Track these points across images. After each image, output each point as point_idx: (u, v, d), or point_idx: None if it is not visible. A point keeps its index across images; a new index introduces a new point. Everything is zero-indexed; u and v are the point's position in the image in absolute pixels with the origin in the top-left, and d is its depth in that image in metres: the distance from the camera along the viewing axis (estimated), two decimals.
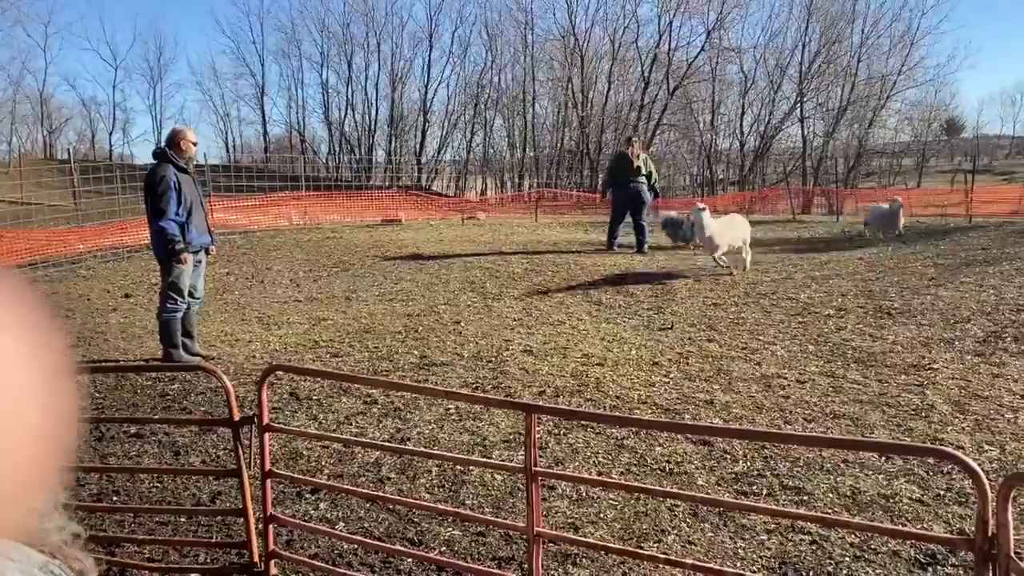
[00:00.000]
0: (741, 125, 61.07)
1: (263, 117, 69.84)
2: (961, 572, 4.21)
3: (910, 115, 67.27)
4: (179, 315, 8.60)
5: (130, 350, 9.39)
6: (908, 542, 4.52)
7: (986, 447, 5.88)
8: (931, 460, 5.59)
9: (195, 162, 8.97)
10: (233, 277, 14.41)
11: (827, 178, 56.52)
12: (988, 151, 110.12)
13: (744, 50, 59.68)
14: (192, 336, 8.89)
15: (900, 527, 4.57)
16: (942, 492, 5.16)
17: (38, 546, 0.96)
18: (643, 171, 16.57)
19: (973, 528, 2.75)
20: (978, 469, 2.68)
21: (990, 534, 2.65)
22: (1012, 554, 2.60)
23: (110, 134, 75.26)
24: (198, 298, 8.96)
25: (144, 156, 74.63)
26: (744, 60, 59.86)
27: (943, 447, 3.32)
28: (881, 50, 59.14)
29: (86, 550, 1.04)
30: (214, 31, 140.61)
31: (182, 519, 5.12)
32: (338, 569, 4.31)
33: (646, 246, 16.68)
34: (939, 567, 4.28)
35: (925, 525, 4.76)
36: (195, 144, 8.75)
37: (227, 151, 72.04)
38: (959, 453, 2.89)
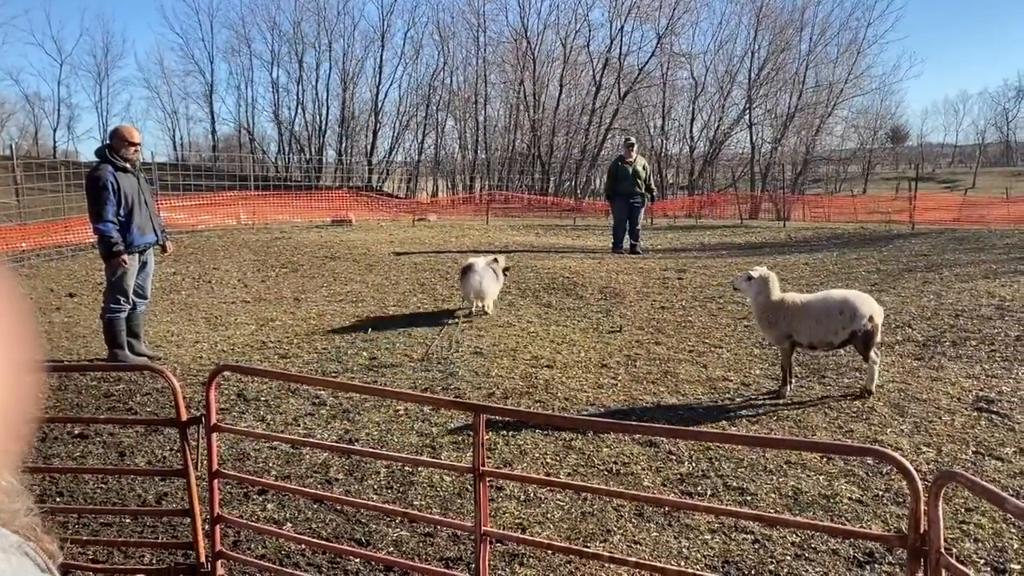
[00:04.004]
0: (691, 130, 61.66)
1: (211, 115, 69.29)
2: (898, 570, 4.32)
3: (856, 123, 68.50)
4: (123, 315, 8.48)
5: (74, 350, 9.27)
6: (847, 541, 4.62)
7: (924, 449, 6.01)
8: (870, 461, 5.71)
9: (140, 161, 8.80)
10: (180, 277, 14.26)
11: (775, 184, 57.23)
12: (931, 159, 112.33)
13: (694, 56, 60.27)
14: (138, 336, 8.79)
15: (839, 526, 4.67)
16: (880, 493, 5.28)
17: (10, 527, 0.98)
18: (641, 177, 17.58)
19: (908, 526, 2.83)
20: (911, 467, 2.76)
21: (922, 531, 2.73)
22: (942, 550, 2.68)
23: (54, 130, 74.36)
24: (145, 298, 8.85)
25: (89, 153, 73.72)
26: (694, 66, 60.46)
27: (880, 448, 3.41)
28: (828, 58, 60.08)
29: (52, 533, 1.06)
30: (162, 27, 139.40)
31: (127, 520, 5.08)
32: (285, 569, 4.31)
33: (639, 247, 17.88)
34: (876, 565, 4.38)
35: (864, 524, 4.87)
36: (136, 144, 8.56)
37: (174, 149, 71.39)
38: (894, 452, 2.97)
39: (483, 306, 11.16)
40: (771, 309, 7.28)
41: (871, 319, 7.03)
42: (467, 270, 11.00)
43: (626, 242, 17.76)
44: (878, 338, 7.23)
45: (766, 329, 7.48)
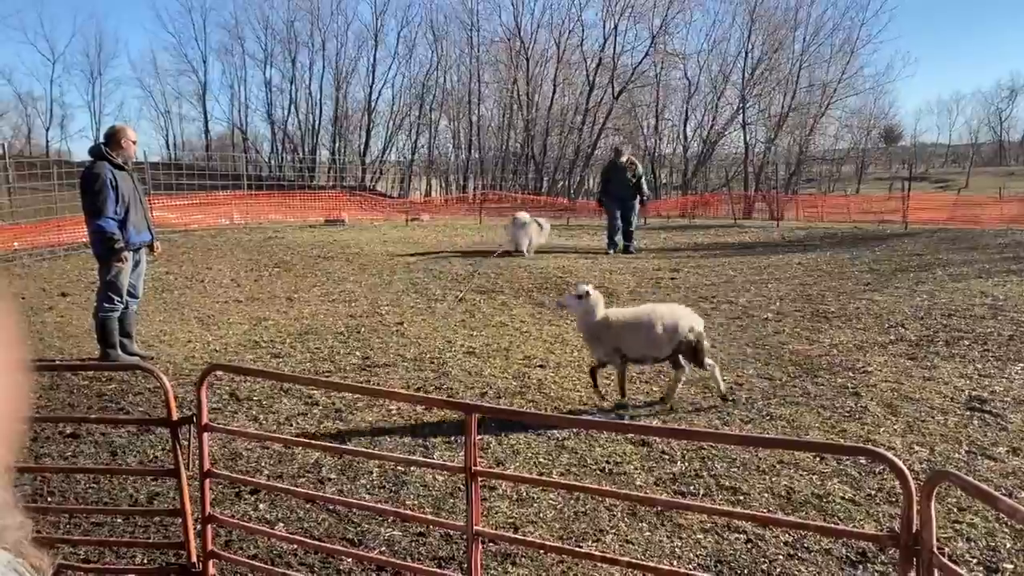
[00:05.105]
0: (684, 130, 61.70)
1: (205, 115, 69.28)
2: (890, 569, 4.31)
3: (850, 123, 68.47)
4: (116, 314, 8.47)
5: (66, 350, 9.24)
6: (840, 540, 4.61)
7: (916, 448, 6.01)
8: (863, 461, 5.71)
9: (134, 160, 8.82)
10: (173, 276, 14.23)
11: (768, 183, 57.27)
12: (925, 159, 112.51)
13: (688, 56, 60.32)
14: (130, 336, 8.76)
15: (832, 526, 4.67)
16: (873, 492, 5.28)
17: (0, 544, 0.96)
18: (632, 180, 17.78)
19: (900, 525, 2.82)
20: (903, 467, 2.75)
21: (914, 530, 2.72)
22: (935, 549, 2.68)
23: (47, 130, 74.24)
24: (137, 297, 8.83)
25: (82, 153, 73.61)
26: (688, 66, 60.49)
27: (873, 447, 3.40)
28: (822, 58, 60.14)
29: (42, 548, 1.04)
30: (156, 27, 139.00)
31: (119, 520, 5.05)
32: (277, 569, 4.30)
33: (633, 247, 18.00)
34: (869, 564, 4.38)
35: (857, 524, 4.86)
36: (135, 143, 8.59)
37: (168, 148, 71.37)
38: (886, 452, 2.97)
39: (523, 250, 15.57)
40: (598, 327, 7.19)
41: (692, 330, 7.00)
42: (514, 220, 15.95)
43: (619, 242, 17.82)
44: (707, 345, 7.22)
45: (594, 346, 7.37)
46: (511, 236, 16.13)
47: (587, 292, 7.18)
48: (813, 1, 59.31)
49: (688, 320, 7.06)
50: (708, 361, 7.14)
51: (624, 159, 17.84)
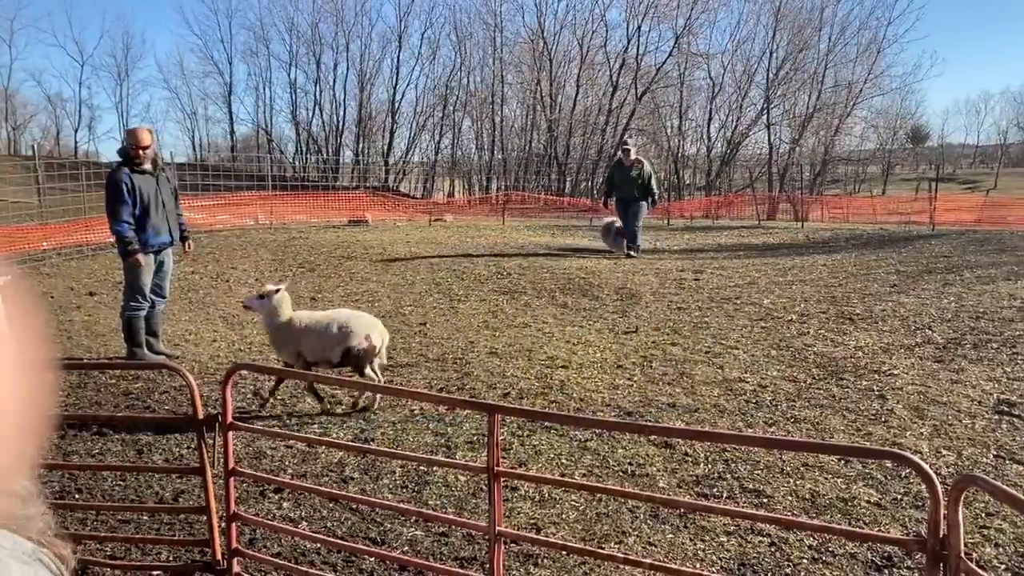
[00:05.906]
0: (708, 131, 61.37)
1: (230, 116, 69.63)
2: (916, 575, 4.28)
3: (876, 123, 67.87)
4: (142, 314, 8.52)
5: (94, 348, 9.31)
6: (865, 544, 4.57)
7: (943, 452, 5.96)
8: (889, 464, 5.66)
9: (162, 161, 8.84)
10: (198, 276, 14.31)
11: (793, 184, 56.96)
12: (952, 160, 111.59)
13: (712, 56, 60.04)
14: (157, 335, 8.82)
15: (857, 530, 4.63)
16: (899, 496, 5.23)
17: (24, 533, 0.96)
18: (639, 180, 17.15)
19: (927, 530, 2.79)
20: (930, 471, 2.73)
21: (941, 535, 2.70)
22: (962, 554, 2.65)
23: (76, 131, 74.93)
24: (164, 297, 8.89)
25: (110, 154, 74.36)
26: (712, 66, 60.20)
27: (899, 451, 3.38)
28: (848, 58, 59.67)
29: (65, 539, 1.04)
30: (182, 28, 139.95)
31: (144, 517, 5.09)
32: (300, 568, 4.31)
33: (636, 248, 17.45)
34: (895, 569, 4.34)
35: (882, 528, 4.83)
36: (142, 148, 8.41)
37: (194, 149, 71.86)
38: (913, 456, 2.94)
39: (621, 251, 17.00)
40: (283, 329, 7.06)
41: (368, 339, 6.89)
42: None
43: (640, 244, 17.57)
44: (382, 360, 7.13)
45: (279, 349, 7.25)
46: (606, 240, 18.36)
47: (271, 291, 7.07)
48: (839, 0, 58.99)
49: (366, 328, 6.97)
50: (368, 372, 7.03)
51: (631, 151, 17.33)
